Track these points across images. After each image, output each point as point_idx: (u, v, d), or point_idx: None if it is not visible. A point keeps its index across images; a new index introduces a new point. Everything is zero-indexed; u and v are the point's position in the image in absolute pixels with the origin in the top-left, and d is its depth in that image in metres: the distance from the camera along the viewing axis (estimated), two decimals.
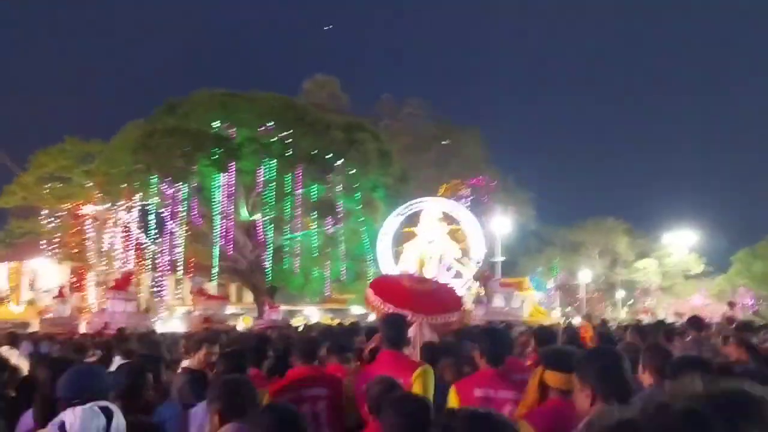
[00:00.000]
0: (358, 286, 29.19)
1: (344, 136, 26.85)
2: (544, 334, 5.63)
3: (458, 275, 27.66)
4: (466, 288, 27.03)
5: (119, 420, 2.85)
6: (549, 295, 43.37)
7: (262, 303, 26.14)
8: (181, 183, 27.20)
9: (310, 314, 36.00)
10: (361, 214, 28.39)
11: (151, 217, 29.44)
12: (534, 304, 31.76)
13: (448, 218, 29.21)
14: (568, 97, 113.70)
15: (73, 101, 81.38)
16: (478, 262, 27.97)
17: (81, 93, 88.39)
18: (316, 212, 27.42)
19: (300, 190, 27.45)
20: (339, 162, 27.18)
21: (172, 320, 30.62)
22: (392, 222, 28.07)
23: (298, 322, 28.52)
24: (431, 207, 28.49)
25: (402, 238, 28.99)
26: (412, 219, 28.75)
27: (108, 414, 2.82)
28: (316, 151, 26.39)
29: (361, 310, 30.67)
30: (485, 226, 32.36)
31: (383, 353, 4.08)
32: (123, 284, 20.12)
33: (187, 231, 28.88)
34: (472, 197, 39.05)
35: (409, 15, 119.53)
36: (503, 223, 34.75)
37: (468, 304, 28.14)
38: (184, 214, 28.11)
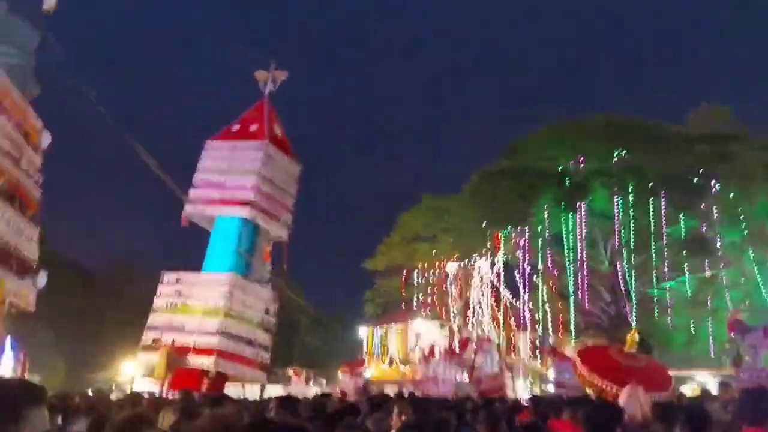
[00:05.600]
0: None
1: (711, 150, 20.87)
2: None
3: None
4: None
5: None
6: None
7: None
8: (526, 230, 24.78)
9: (705, 381, 28.91)
10: (748, 249, 21.52)
11: (507, 270, 27.66)
12: None
13: None
14: None
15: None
16: None
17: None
18: (686, 251, 21.66)
19: (665, 227, 22.16)
20: (711, 185, 21.18)
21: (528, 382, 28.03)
22: None
23: (690, 392, 22.74)
24: None
25: None
26: None
27: None
28: (677, 174, 21.03)
29: None
30: None
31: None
32: (458, 352, 18.38)
33: (548, 284, 26.13)
34: None
35: None
36: None
37: None
38: (539, 265, 25.49)
